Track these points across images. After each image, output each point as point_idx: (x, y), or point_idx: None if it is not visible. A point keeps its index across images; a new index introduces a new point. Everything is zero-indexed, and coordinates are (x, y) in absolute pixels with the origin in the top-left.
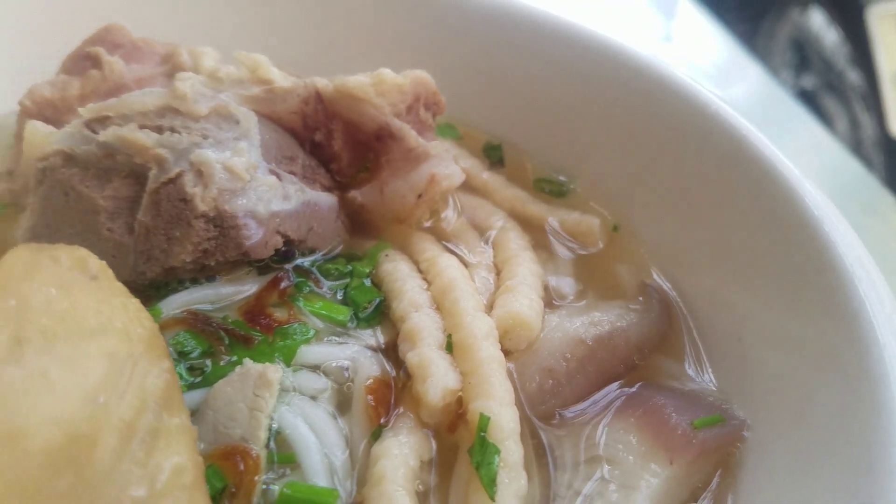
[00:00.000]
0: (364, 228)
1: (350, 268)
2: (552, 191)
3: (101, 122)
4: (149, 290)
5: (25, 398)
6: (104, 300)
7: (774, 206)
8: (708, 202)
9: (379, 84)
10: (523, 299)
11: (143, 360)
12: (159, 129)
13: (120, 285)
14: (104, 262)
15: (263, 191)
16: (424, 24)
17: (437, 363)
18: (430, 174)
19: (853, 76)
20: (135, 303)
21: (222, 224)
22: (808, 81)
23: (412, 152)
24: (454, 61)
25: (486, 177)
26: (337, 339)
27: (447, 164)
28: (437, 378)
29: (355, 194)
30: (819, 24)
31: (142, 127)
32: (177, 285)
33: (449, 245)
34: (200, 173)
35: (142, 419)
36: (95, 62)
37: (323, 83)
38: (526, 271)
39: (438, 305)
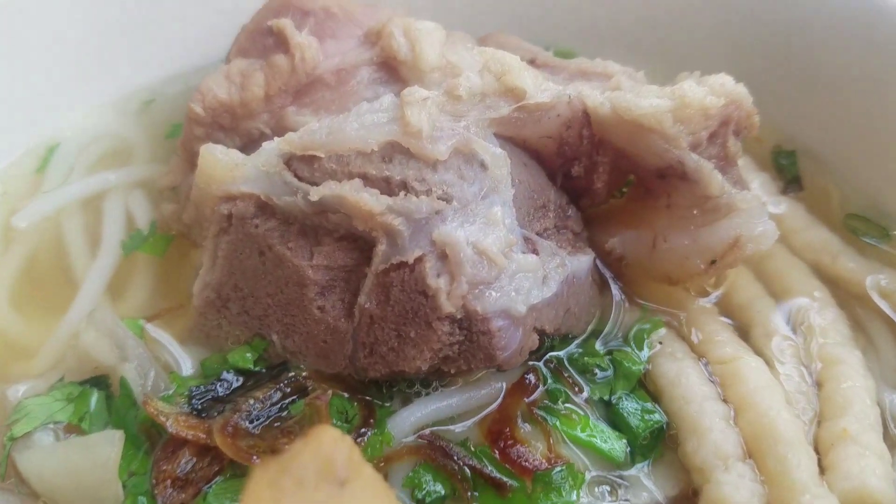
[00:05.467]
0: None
1: (611, 365)
2: (869, 234)
3: (307, 162)
4: (369, 389)
5: None
6: None
7: None
8: None
9: (680, 108)
10: (872, 463)
11: None
12: (387, 183)
13: (371, 475)
14: (354, 449)
15: (521, 278)
16: None
17: None
18: (734, 235)
19: None
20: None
21: (470, 328)
22: None
23: (711, 201)
24: (740, 33)
25: (785, 209)
26: (608, 487)
27: (758, 220)
28: None
29: (614, 243)
30: None
31: (364, 178)
32: (404, 387)
33: (733, 323)
34: (445, 257)
35: None
36: (280, 41)
37: (595, 100)
38: (863, 398)
39: (752, 454)
